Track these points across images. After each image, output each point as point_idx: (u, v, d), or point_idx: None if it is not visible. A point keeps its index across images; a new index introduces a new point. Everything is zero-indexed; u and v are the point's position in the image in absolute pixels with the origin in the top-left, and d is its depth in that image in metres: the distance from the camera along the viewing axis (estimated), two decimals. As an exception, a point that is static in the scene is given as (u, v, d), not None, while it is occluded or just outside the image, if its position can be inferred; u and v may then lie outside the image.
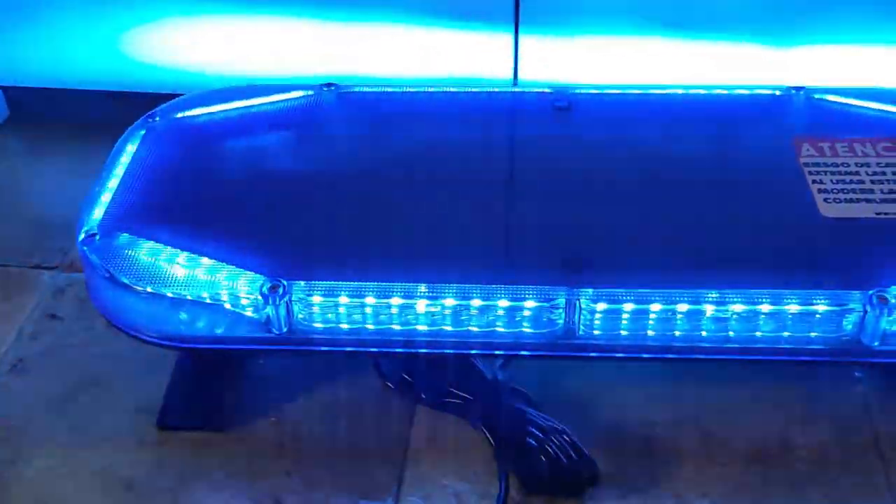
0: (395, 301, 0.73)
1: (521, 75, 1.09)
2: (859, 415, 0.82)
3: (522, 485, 0.75)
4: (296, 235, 0.77)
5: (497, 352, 0.75)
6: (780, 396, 0.83)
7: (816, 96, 0.93)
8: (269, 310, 0.72)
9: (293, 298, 0.72)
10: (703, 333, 0.74)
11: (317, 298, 0.72)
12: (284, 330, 0.73)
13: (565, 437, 0.73)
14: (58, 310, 0.92)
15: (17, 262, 0.98)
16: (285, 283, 0.72)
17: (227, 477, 0.77)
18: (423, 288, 0.72)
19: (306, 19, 1.07)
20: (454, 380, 0.78)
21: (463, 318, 0.73)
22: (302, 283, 0.72)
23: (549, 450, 0.72)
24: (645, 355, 0.75)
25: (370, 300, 0.73)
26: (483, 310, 0.73)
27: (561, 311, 0.72)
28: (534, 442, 0.73)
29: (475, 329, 0.74)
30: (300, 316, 0.73)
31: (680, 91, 0.95)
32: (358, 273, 0.73)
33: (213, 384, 0.81)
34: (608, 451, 0.79)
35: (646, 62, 1.07)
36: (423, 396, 0.79)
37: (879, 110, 0.91)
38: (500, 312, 0.73)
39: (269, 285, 0.71)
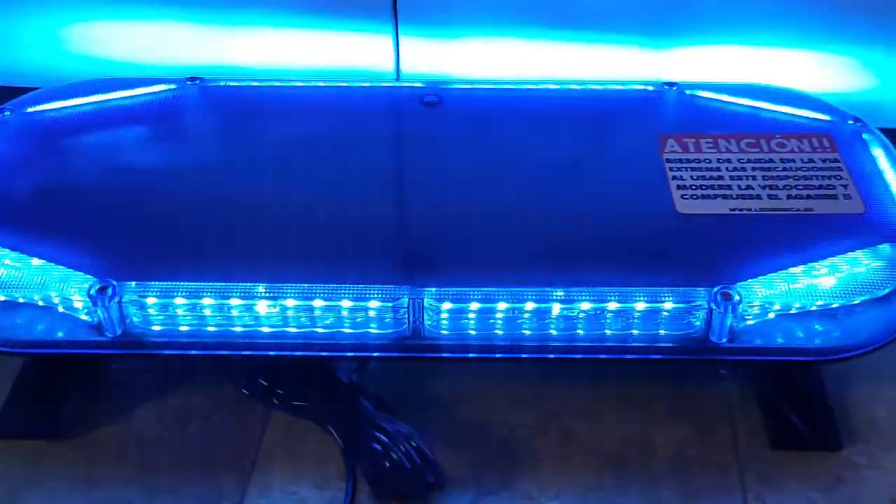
0: (235, 302, 0.71)
1: (405, 70, 1.08)
2: (720, 413, 0.81)
3: (370, 489, 0.73)
4: (133, 234, 0.74)
5: (343, 353, 0.73)
6: (645, 395, 0.83)
7: (688, 92, 0.92)
8: (101, 312, 0.69)
9: (126, 300, 0.70)
10: (552, 332, 0.72)
11: (151, 300, 0.70)
12: (118, 333, 0.71)
13: (411, 441, 0.71)
14: None
15: None
16: (115, 283, 0.69)
17: (67, 487, 0.74)
18: (261, 288, 0.70)
19: (182, 12, 1.04)
20: (307, 383, 0.76)
21: (304, 319, 0.71)
22: (133, 283, 0.69)
23: (393, 455, 0.70)
24: (496, 355, 0.73)
25: (208, 301, 0.70)
26: (326, 310, 0.71)
27: (405, 310, 0.71)
28: (379, 447, 0.71)
29: (320, 330, 0.72)
30: (135, 319, 0.71)
31: (553, 87, 0.94)
32: (196, 273, 0.71)
33: (55, 391, 0.78)
34: (465, 453, 0.77)
35: (529, 59, 1.06)
36: (276, 401, 0.76)
37: (748, 107, 0.90)
38: (345, 313, 0.71)
39: (97, 287, 0.69)
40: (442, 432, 0.78)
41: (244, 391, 0.77)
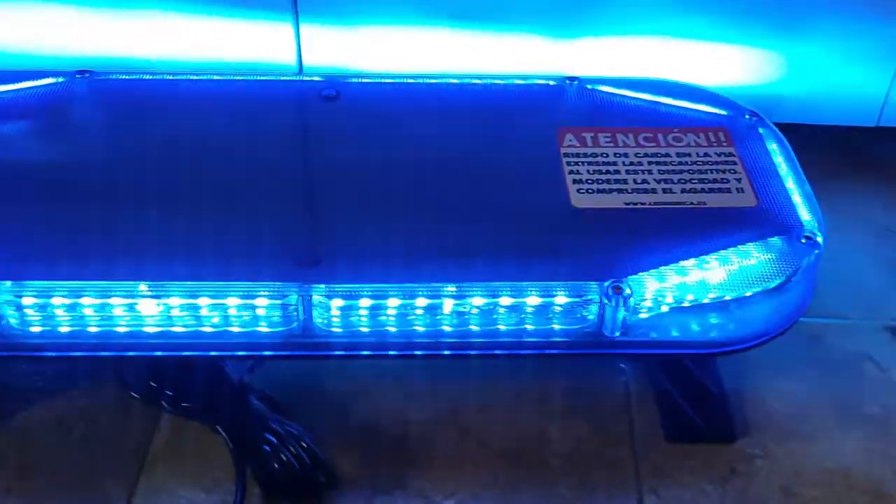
0: (117, 301, 0.68)
1: (306, 62, 1.06)
2: (618, 408, 0.82)
3: (261, 491, 0.72)
4: (9, 232, 0.71)
5: (232, 353, 0.71)
6: (543, 391, 0.82)
7: (589, 86, 0.92)
8: (-28, 313, 0.66)
9: (1, 300, 0.67)
10: (446, 328, 0.71)
11: (28, 300, 0.67)
12: (-9, 337, 0.68)
13: (302, 442, 0.70)
14: None
15: None
16: (-10, 283, 0.66)
17: (-59, 495, 0.72)
18: (144, 287, 0.68)
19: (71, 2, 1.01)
20: (196, 384, 0.74)
21: (190, 318, 0.69)
22: (9, 283, 0.67)
23: (283, 456, 0.69)
24: (389, 352, 0.72)
25: (89, 300, 0.68)
26: (213, 309, 0.69)
27: (294, 308, 0.69)
28: (268, 448, 0.69)
29: (207, 330, 0.70)
30: (12, 320, 0.68)
31: (454, 81, 0.93)
32: (76, 271, 0.68)
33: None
34: (360, 452, 0.76)
35: (432, 51, 1.05)
36: (164, 404, 0.74)
37: (648, 101, 0.91)
38: (232, 311, 0.70)
39: (-29, 287, 0.66)
40: (336, 431, 0.77)
41: (131, 394, 0.75)
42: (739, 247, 0.75)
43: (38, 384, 0.79)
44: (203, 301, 0.69)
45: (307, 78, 0.92)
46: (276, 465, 0.69)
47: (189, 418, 0.75)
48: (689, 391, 0.80)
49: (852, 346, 0.88)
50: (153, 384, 0.74)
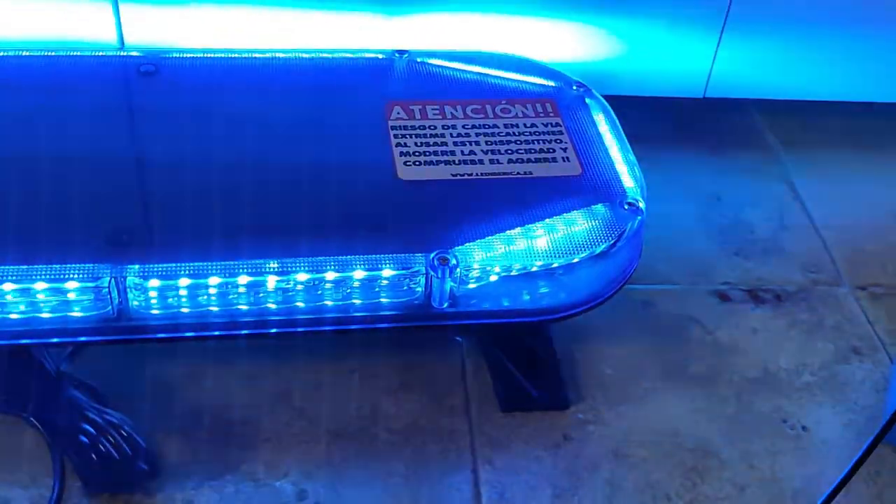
0: (-89, 290, 0.64)
1: (129, 40, 1.01)
2: (453, 381, 0.81)
3: (81, 483, 0.68)
4: None
5: (43, 340, 0.68)
6: (378, 368, 0.82)
7: (419, 60, 0.91)
8: None
9: None
10: (271, 306, 0.70)
11: None
12: None
13: (122, 430, 0.67)
14: None
15: None
16: None
17: None
18: (-59, 273, 0.64)
19: None
20: (8, 375, 0.70)
21: (-4, 303, 0.65)
22: None
23: (102, 447, 0.66)
24: (211, 333, 0.70)
25: None
26: (19, 294, 0.66)
27: (106, 290, 0.66)
28: (85, 439, 0.66)
29: (14, 317, 0.67)
30: None
31: (281, 55, 0.91)
32: None
33: None
34: (191, 437, 0.74)
35: (264, 32, 1.02)
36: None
37: (477, 73, 0.91)
38: (40, 297, 0.66)
39: None
40: (163, 417, 0.75)
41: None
42: (565, 214, 0.75)
43: None
44: (7, 287, 0.65)
45: (126, 54, 0.89)
46: (94, 457, 0.66)
47: (2, 411, 0.71)
48: (522, 360, 0.81)
49: (681, 311, 0.90)
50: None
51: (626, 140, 0.84)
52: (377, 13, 1.03)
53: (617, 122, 0.86)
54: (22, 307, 0.66)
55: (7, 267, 0.65)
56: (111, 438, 0.67)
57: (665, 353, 0.86)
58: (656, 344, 0.87)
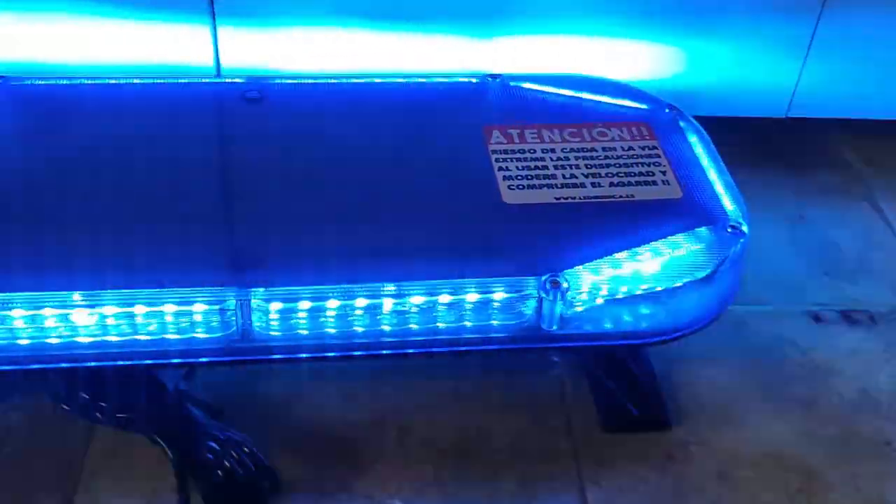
0: (48, 312, 0.66)
1: (224, 64, 1.04)
2: (553, 400, 0.83)
3: (203, 500, 0.70)
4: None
5: (169, 361, 0.70)
6: (479, 387, 0.83)
7: (512, 83, 0.92)
8: None
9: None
10: (386, 328, 0.71)
11: (-48, 313, 0.65)
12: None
13: (245, 448, 0.69)
14: None
15: None
16: None
17: None
18: (77, 296, 0.66)
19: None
20: (131, 394, 0.73)
21: (126, 327, 0.68)
22: (-72, 296, 0.64)
23: (226, 463, 0.68)
24: (329, 354, 0.72)
25: (19, 312, 0.66)
26: (149, 316, 0.68)
27: (232, 313, 0.68)
28: (210, 455, 0.68)
29: (143, 338, 0.69)
30: (-68, 335, 0.66)
31: (377, 80, 0.93)
32: (5, 283, 0.66)
33: None
34: (302, 455, 0.76)
35: (351, 51, 1.05)
36: (99, 415, 0.72)
37: (570, 97, 0.92)
38: (169, 318, 0.68)
39: None
40: (277, 436, 0.77)
41: (64, 406, 0.73)
42: (669, 238, 0.76)
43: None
44: (139, 309, 0.67)
45: (228, 80, 0.91)
46: (219, 473, 0.68)
47: (125, 429, 0.73)
48: (622, 380, 0.82)
49: (775, 331, 0.91)
50: (85, 395, 0.72)
51: (722, 162, 0.85)
52: (463, 36, 1.05)
53: (711, 144, 0.87)
54: (152, 328, 0.68)
55: (139, 290, 0.67)
56: (234, 455, 0.69)
57: (762, 373, 0.87)
58: (752, 365, 0.88)
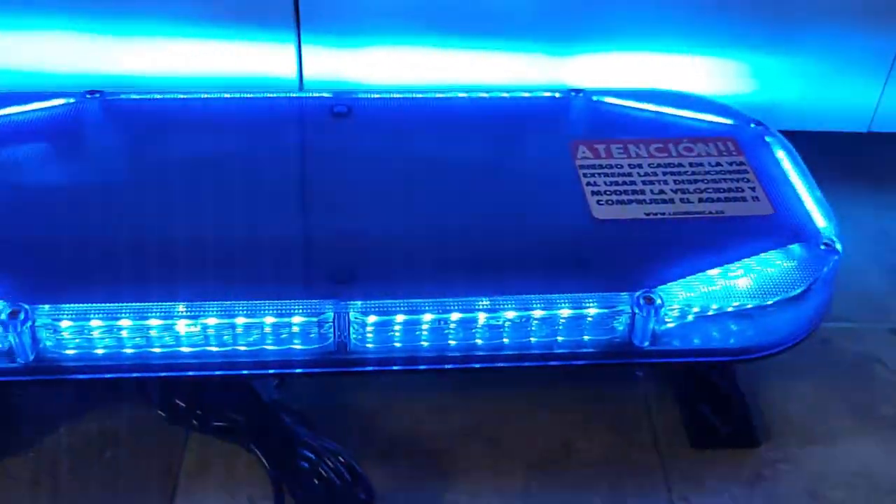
0: (153, 322, 0.68)
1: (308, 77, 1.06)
2: (640, 415, 0.83)
3: (299, 509, 0.72)
4: (44, 256, 0.71)
5: (268, 371, 0.71)
6: (565, 401, 0.83)
7: (595, 98, 0.93)
8: (12, 337, 0.66)
9: (38, 324, 0.66)
10: (478, 342, 0.72)
11: (65, 323, 0.67)
12: (31, 358, 0.68)
13: (340, 458, 0.70)
14: None
15: None
16: (28, 307, 0.66)
17: (-24, 521, 0.71)
18: (181, 307, 0.68)
19: (73, 22, 1.00)
20: (227, 403, 0.74)
21: (226, 337, 0.69)
22: (47, 307, 0.66)
23: (322, 472, 0.69)
24: (421, 367, 0.73)
25: (125, 322, 0.68)
26: (249, 327, 0.69)
27: (330, 325, 0.69)
28: (307, 465, 0.69)
29: (242, 349, 0.70)
30: (48, 343, 0.68)
31: (461, 95, 0.94)
32: (112, 294, 0.68)
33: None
34: (391, 466, 0.77)
35: (432, 66, 1.06)
36: (195, 423, 0.74)
37: (654, 112, 0.92)
38: (268, 330, 0.70)
39: (8, 311, 0.66)
40: (368, 446, 0.78)
41: (162, 414, 0.75)
42: (761, 255, 0.76)
43: (64, 406, 0.78)
44: (239, 320, 0.69)
45: (316, 94, 0.93)
46: (315, 482, 0.69)
47: (221, 438, 0.75)
48: (712, 398, 0.82)
49: (862, 349, 0.90)
50: (182, 404, 0.74)
51: (811, 178, 0.84)
52: (542, 53, 1.06)
53: (799, 159, 0.87)
54: (252, 339, 0.70)
55: (240, 302, 0.68)
56: (330, 464, 0.70)
57: (850, 392, 0.86)
58: (839, 383, 0.87)
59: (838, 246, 0.77)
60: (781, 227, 0.79)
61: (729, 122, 0.91)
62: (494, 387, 0.83)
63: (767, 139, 0.89)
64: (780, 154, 0.87)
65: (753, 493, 0.77)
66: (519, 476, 0.77)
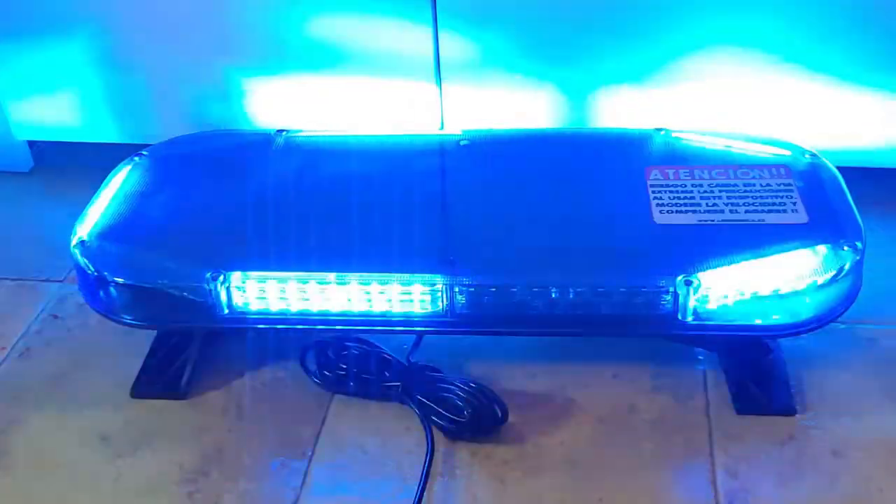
0: (312, 287, 0.94)
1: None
2: (697, 387, 1.01)
3: (445, 435, 0.94)
4: (238, 240, 0.98)
5: (394, 328, 0.95)
6: (633, 372, 1.02)
7: (674, 135, 1.13)
8: (216, 294, 0.93)
9: (231, 285, 0.93)
10: (558, 313, 0.94)
11: (251, 285, 0.94)
12: (226, 312, 0.94)
13: (473, 384, 0.92)
14: (60, 311, 1.14)
15: (32, 276, 1.21)
16: (225, 273, 0.93)
17: (182, 432, 0.97)
18: (332, 276, 0.94)
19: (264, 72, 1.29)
20: (375, 367, 0.98)
21: (365, 302, 0.94)
22: (238, 272, 0.93)
23: (465, 395, 0.91)
24: (516, 329, 0.96)
25: (292, 286, 0.94)
26: (380, 294, 0.94)
27: (439, 293, 0.93)
28: (451, 395, 0.92)
29: (376, 310, 0.95)
30: (239, 300, 0.94)
31: (566, 130, 1.17)
32: (283, 266, 0.94)
33: (175, 362, 1.02)
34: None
35: (537, 105, 1.25)
36: (351, 384, 0.98)
37: (723, 145, 1.11)
38: (395, 296, 0.94)
39: (211, 274, 0.93)
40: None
41: (317, 381, 1.00)
42: (791, 252, 0.94)
43: (245, 356, 1.04)
44: (374, 287, 0.93)
45: (447, 132, 1.18)
46: (459, 404, 0.91)
47: (371, 398, 0.98)
48: (756, 373, 0.99)
49: (904, 348, 1.04)
50: (328, 374, 0.99)
51: (846, 194, 1.01)
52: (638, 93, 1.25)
53: (841, 179, 1.04)
54: (384, 304, 0.94)
55: (374, 274, 0.93)
56: (468, 388, 0.91)
57: (886, 379, 1.00)
58: (878, 372, 1.01)
59: (859, 245, 0.93)
60: (814, 231, 0.96)
61: (786, 153, 1.09)
62: (577, 355, 1.03)
63: (816, 164, 1.06)
64: (826, 178, 1.05)
65: (784, 450, 0.93)
66: (590, 425, 0.97)
